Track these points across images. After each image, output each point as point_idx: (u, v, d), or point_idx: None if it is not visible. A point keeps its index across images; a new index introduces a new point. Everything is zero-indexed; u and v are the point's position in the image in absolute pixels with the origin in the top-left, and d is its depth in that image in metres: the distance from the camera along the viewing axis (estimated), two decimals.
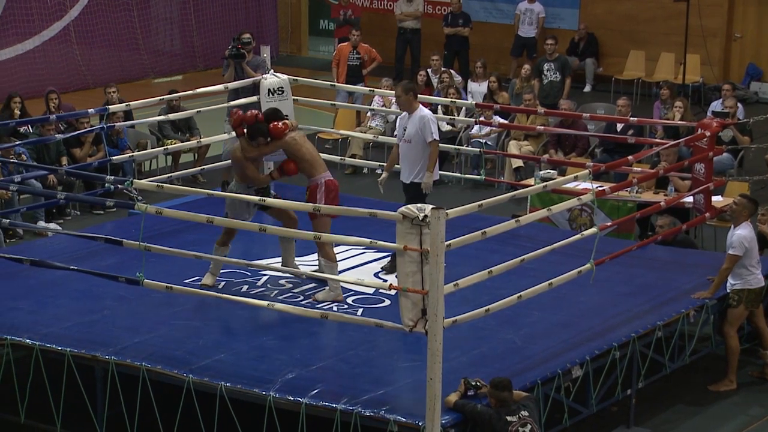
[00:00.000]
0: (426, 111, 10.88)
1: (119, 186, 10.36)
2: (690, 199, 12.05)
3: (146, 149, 15.47)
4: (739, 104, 16.75)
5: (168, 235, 11.20)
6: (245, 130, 10.35)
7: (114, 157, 13.29)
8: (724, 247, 12.93)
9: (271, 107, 10.39)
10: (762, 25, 21.52)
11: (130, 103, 13.28)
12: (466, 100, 17.39)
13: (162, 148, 15.28)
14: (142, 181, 10.16)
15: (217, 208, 11.46)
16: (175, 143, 15.56)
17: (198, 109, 14.26)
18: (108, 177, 10.44)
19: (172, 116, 14.82)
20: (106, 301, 10.19)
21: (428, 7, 23.46)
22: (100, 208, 14.94)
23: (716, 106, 16.83)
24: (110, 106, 13.50)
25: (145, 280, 9.22)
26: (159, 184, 10.06)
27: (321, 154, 14.62)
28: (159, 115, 15.08)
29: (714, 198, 12.14)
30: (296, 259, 11.06)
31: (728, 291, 10.48)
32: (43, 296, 10.33)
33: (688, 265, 11.36)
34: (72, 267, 9.91)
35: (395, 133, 10.88)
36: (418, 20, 22.39)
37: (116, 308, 10.08)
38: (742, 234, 10.40)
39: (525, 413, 8.25)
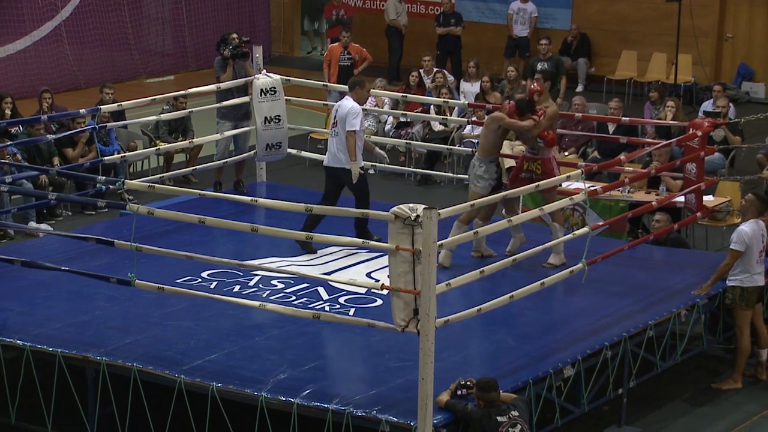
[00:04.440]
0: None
1: (111, 186, 10.35)
2: (681, 198, 12.06)
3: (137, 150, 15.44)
4: (730, 104, 16.78)
5: (160, 235, 11.19)
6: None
7: (106, 158, 13.27)
8: (715, 246, 12.97)
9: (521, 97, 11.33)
10: (753, 26, 21.55)
11: (122, 103, 13.25)
12: (459, 100, 17.40)
13: (154, 148, 15.26)
14: (133, 181, 10.15)
15: (210, 209, 11.46)
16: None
17: (190, 110, 14.24)
18: (99, 177, 10.43)
19: (164, 116, 14.80)
20: (98, 301, 10.18)
21: (420, 6, 23.46)
22: (92, 209, 14.92)
23: (707, 106, 16.86)
24: (102, 106, 13.48)
25: (137, 281, 9.20)
26: (150, 184, 10.05)
27: (313, 155, 14.81)
28: (160, 115, 15.04)
29: (705, 198, 12.15)
30: (289, 259, 11.08)
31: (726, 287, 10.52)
32: (34, 297, 10.31)
33: (679, 264, 11.37)
34: (63, 268, 9.89)
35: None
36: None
37: (108, 309, 10.06)
38: (742, 229, 10.40)
39: (515, 413, 8.25)
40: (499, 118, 11.01)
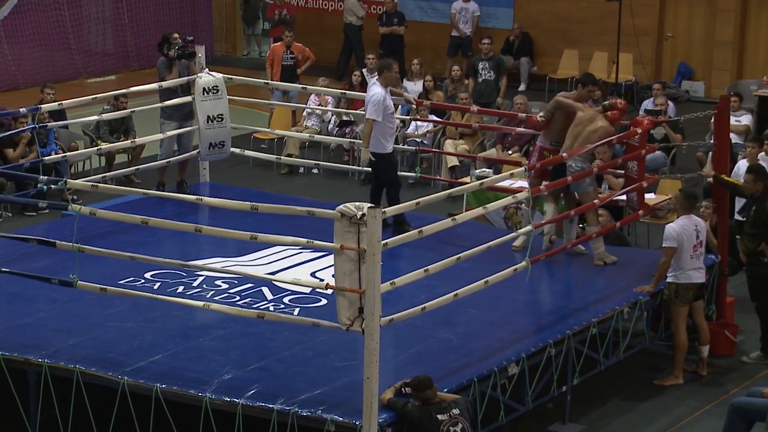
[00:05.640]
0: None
1: (52, 186, 10.24)
2: (624, 196, 12.15)
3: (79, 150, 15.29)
4: (669, 102, 16.94)
5: (102, 236, 11.08)
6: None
7: (46, 158, 13.13)
8: (657, 244, 13.08)
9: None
10: (693, 25, 21.79)
11: (63, 102, 13.10)
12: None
13: (95, 148, 15.11)
14: (76, 181, 10.05)
15: (153, 209, 11.38)
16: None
17: (131, 110, 14.13)
18: (41, 177, 10.32)
19: (105, 116, 14.66)
20: (39, 303, 10.07)
21: (363, 6, 23.46)
22: (32, 210, 14.76)
23: (648, 104, 17.01)
24: (42, 105, 13.33)
25: (79, 282, 9.12)
26: (93, 183, 9.96)
27: (257, 154, 14.75)
28: (101, 115, 14.89)
29: (647, 195, 12.26)
30: (234, 259, 11.04)
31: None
32: None
33: (621, 262, 11.45)
34: (3, 269, 9.76)
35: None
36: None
37: (49, 311, 9.96)
38: (671, 226, 10.58)
39: (456, 411, 8.26)
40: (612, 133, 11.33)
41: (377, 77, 11.92)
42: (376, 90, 11.78)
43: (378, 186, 12.17)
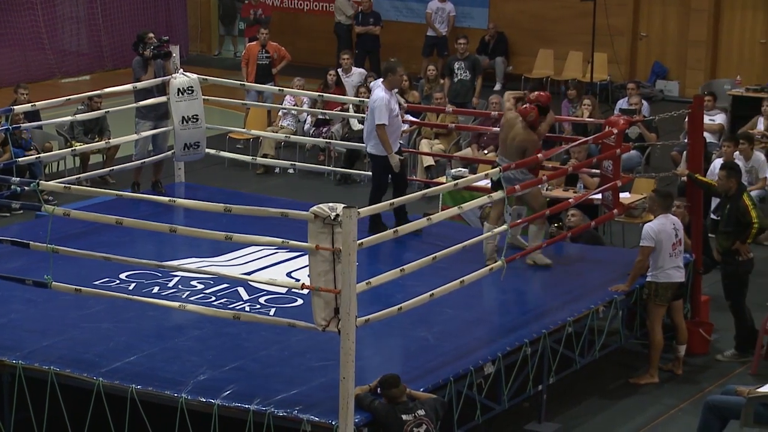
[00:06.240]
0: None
1: (26, 188, 10.19)
2: (599, 195, 12.19)
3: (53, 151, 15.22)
4: (643, 101, 16.99)
5: (77, 237, 11.03)
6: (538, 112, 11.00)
7: (20, 159, 13.06)
8: (632, 243, 13.14)
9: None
10: (667, 24, 21.88)
11: (36, 103, 13.04)
12: None
13: (70, 149, 15.05)
14: (49, 182, 10.00)
15: (128, 210, 11.34)
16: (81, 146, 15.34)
17: (106, 110, 14.07)
18: (13, 178, 10.27)
19: (80, 117, 14.60)
20: (13, 304, 10.02)
21: (353, 5, 23.47)
22: (6, 210, 14.69)
23: (623, 103, 17.07)
24: (15, 106, 13.26)
25: (54, 283, 9.08)
26: (66, 185, 9.91)
27: (232, 155, 14.73)
28: (76, 115, 14.82)
29: (622, 195, 12.30)
30: (210, 259, 11.01)
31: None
32: None
33: (596, 261, 11.49)
34: None
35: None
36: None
37: (24, 312, 9.91)
38: (650, 225, 10.62)
39: (421, 412, 8.25)
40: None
41: (381, 80, 11.73)
42: (379, 94, 11.53)
43: (397, 188, 11.92)
